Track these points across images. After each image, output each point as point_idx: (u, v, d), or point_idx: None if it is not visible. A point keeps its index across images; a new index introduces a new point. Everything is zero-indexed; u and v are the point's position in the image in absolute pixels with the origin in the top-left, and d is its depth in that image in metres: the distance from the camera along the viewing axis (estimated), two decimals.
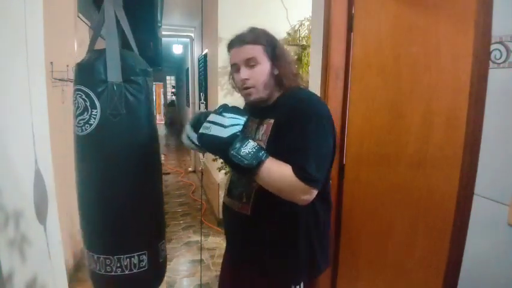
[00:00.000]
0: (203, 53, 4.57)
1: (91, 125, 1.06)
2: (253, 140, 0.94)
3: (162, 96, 15.43)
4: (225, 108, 0.94)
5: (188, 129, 1.05)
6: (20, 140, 1.38)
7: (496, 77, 1.01)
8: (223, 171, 3.44)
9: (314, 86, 1.83)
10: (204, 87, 4.50)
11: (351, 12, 1.68)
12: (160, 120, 15.62)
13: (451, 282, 1.14)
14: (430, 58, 1.25)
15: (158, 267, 1.23)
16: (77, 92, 1.08)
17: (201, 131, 0.93)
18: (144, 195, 1.17)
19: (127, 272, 1.13)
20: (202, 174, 3.77)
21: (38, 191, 1.45)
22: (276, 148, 0.93)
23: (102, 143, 1.09)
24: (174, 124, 12.78)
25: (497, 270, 1.01)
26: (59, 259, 1.76)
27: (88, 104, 1.06)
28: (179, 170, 6.19)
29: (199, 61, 5.12)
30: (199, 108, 2.01)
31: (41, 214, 1.47)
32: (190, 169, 6.14)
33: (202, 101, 2.07)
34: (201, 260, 2.71)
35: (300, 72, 3.47)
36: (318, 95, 1.76)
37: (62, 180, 1.93)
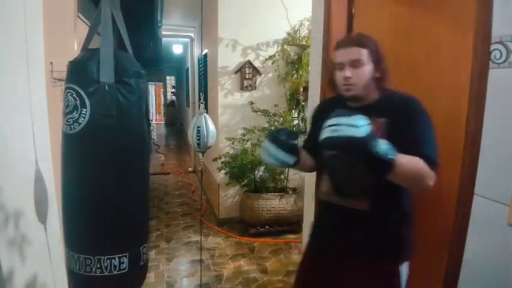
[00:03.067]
0: (203, 53, 4.57)
1: (79, 124, 1.06)
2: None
3: (162, 96, 15.43)
4: (341, 112, 0.96)
5: (269, 146, 1.10)
6: (20, 140, 1.38)
7: (496, 77, 1.01)
8: (223, 171, 3.44)
9: (314, 86, 1.82)
10: (203, 87, 4.50)
11: (351, 12, 1.68)
12: (160, 120, 15.62)
13: (451, 282, 1.14)
14: (430, 58, 1.25)
15: (139, 270, 1.22)
16: (68, 90, 1.07)
17: (327, 135, 0.93)
18: (129, 197, 1.15)
19: (106, 273, 1.11)
20: (202, 174, 3.77)
21: (38, 191, 1.45)
22: (396, 144, 0.97)
23: (90, 143, 1.08)
24: (174, 124, 12.78)
25: (497, 270, 1.01)
26: (59, 259, 1.76)
27: (78, 102, 1.05)
28: (179, 170, 6.19)
29: (199, 61, 5.13)
30: (199, 108, 2.01)
31: (41, 214, 1.47)
32: (190, 169, 6.14)
33: (202, 101, 2.06)
34: (201, 260, 2.71)
35: (301, 72, 3.50)
36: (318, 95, 1.76)
37: None
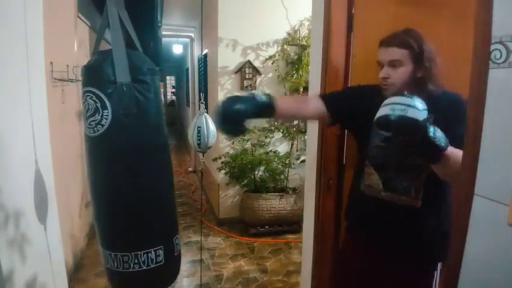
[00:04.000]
0: (203, 53, 4.57)
1: (103, 125, 1.08)
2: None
3: (162, 96, 15.43)
4: (402, 92, 0.95)
5: (216, 121, 1.04)
6: (20, 140, 1.38)
7: (496, 77, 1.00)
8: (223, 171, 3.44)
9: (314, 86, 1.82)
10: (204, 87, 4.50)
11: (351, 12, 1.68)
12: None
13: (451, 283, 1.14)
14: None
15: (174, 261, 1.26)
16: (87, 94, 1.08)
17: (398, 113, 0.91)
18: (157, 191, 1.19)
19: (144, 268, 1.15)
20: (202, 174, 3.76)
21: (38, 191, 1.45)
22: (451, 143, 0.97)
23: (114, 143, 1.10)
24: (174, 124, 12.78)
25: (497, 270, 1.01)
26: (59, 259, 1.76)
27: (98, 105, 1.07)
28: (179, 170, 6.18)
29: (199, 61, 5.12)
30: (200, 108, 2.01)
31: (41, 214, 1.47)
32: (190, 169, 6.14)
33: (202, 101, 2.07)
34: (201, 260, 2.71)
35: (301, 72, 3.49)
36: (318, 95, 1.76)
37: (62, 180, 1.93)
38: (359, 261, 1.25)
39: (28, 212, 1.36)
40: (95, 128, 1.08)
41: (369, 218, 1.26)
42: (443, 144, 0.91)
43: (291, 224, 3.39)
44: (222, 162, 3.43)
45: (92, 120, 1.08)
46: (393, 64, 1.08)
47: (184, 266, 2.82)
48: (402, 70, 1.07)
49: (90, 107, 1.08)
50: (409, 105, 0.90)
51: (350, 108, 1.22)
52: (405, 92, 0.94)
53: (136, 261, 1.14)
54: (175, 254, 1.26)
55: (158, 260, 1.18)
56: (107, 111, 1.07)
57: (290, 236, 3.32)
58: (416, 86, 1.08)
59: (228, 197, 3.70)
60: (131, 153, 1.12)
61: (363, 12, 1.62)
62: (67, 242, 2.26)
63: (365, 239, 1.26)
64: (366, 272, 1.21)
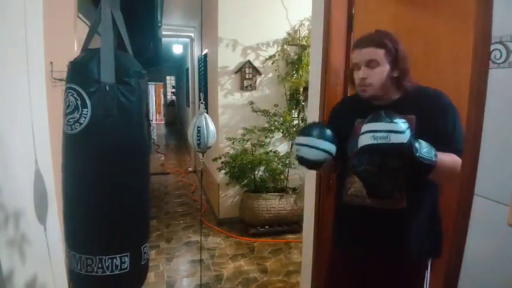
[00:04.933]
0: (203, 53, 4.57)
1: (80, 124, 1.06)
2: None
3: (162, 96, 15.42)
4: (385, 113, 0.96)
5: (308, 139, 1.11)
6: (20, 140, 1.38)
7: (496, 77, 1.00)
8: (223, 171, 3.44)
9: (314, 86, 1.82)
10: (203, 87, 4.50)
11: (351, 12, 1.68)
12: (160, 120, 15.62)
13: (451, 283, 1.14)
14: (430, 58, 1.25)
15: (140, 269, 1.22)
16: (69, 91, 1.07)
17: (378, 141, 0.93)
18: (130, 196, 1.16)
19: (108, 273, 1.12)
20: (202, 174, 3.77)
21: (38, 191, 1.45)
22: (430, 138, 0.99)
23: (91, 143, 1.08)
24: (174, 124, 12.78)
25: (497, 270, 1.01)
26: (59, 259, 1.76)
27: (79, 102, 1.05)
28: (179, 170, 6.19)
29: (199, 61, 5.12)
30: (199, 108, 2.01)
31: (41, 214, 1.47)
32: (190, 169, 6.14)
33: (202, 101, 2.06)
34: (201, 260, 2.71)
35: (301, 72, 3.49)
36: (318, 95, 1.76)
37: None
38: (348, 275, 1.24)
39: (28, 212, 1.36)
40: (73, 126, 1.06)
41: (353, 226, 1.24)
42: (433, 159, 0.93)
43: (291, 224, 3.39)
44: (222, 162, 3.43)
45: (71, 118, 1.06)
46: (371, 65, 1.08)
47: (184, 266, 2.82)
48: (380, 70, 1.07)
49: (70, 103, 1.06)
50: (391, 131, 0.91)
51: (335, 132, 1.21)
52: (383, 114, 0.95)
53: (100, 265, 1.11)
54: (142, 263, 1.22)
55: (123, 267, 1.14)
56: (86, 109, 1.05)
57: (290, 236, 3.32)
58: (393, 85, 1.10)
59: (228, 197, 3.70)
60: (107, 155, 1.09)
61: (363, 12, 1.62)
62: None
63: (352, 250, 1.25)
64: (357, 283, 1.21)
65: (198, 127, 1.91)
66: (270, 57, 3.48)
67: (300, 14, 3.43)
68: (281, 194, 3.38)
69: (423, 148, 0.93)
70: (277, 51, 3.51)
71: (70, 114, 1.07)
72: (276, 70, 3.53)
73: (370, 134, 0.92)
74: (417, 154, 0.92)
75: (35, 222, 1.43)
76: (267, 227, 3.35)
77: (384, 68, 1.08)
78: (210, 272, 2.72)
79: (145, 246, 1.24)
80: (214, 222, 3.72)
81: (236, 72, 3.54)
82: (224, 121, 3.58)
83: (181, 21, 5.51)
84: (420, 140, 0.95)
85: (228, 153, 3.45)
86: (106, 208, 1.11)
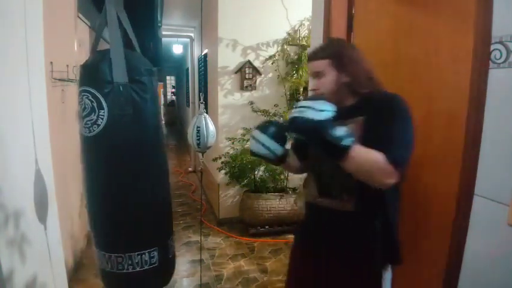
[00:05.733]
0: (203, 53, 4.57)
1: (98, 125, 1.07)
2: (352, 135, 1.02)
3: (162, 96, 15.42)
4: (314, 96, 1.04)
5: (258, 134, 1.13)
6: (20, 140, 1.38)
7: (496, 77, 1.01)
8: (223, 171, 3.44)
9: None
10: (203, 87, 4.50)
11: (351, 12, 1.68)
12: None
13: (451, 282, 1.14)
14: (430, 58, 1.25)
15: (168, 263, 1.25)
16: (84, 93, 1.08)
17: (294, 114, 1.00)
18: (152, 192, 1.18)
19: (138, 269, 1.14)
20: (202, 174, 3.77)
21: (38, 191, 1.45)
22: (371, 141, 1.01)
23: (110, 143, 1.10)
24: (174, 124, 12.78)
25: (497, 270, 1.01)
26: (59, 259, 1.76)
27: (95, 104, 1.07)
28: (179, 170, 6.19)
29: (199, 61, 5.13)
30: (199, 108, 2.01)
31: (41, 214, 1.47)
32: (190, 169, 6.14)
33: (202, 101, 2.07)
34: (201, 260, 2.71)
35: (301, 72, 3.48)
36: None
37: (62, 180, 1.93)
38: (304, 268, 1.27)
39: (28, 212, 1.36)
40: (91, 128, 1.08)
41: (310, 223, 1.29)
42: (342, 143, 0.95)
43: (291, 224, 3.38)
44: (222, 162, 3.43)
45: (88, 120, 1.08)
46: (318, 76, 1.13)
47: (184, 266, 2.82)
48: (326, 79, 1.11)
49: (86, 106, 1.07)
50: (309, 107, 0.98)
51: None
52: (312, 96, 1.02)
53: (130, 262, 1.13)
54: (170, 256, 1.25)
55: (152, 262, 1.17)
56: (103, 111, 1.06)
57: (290, 236, 3.32)
58: (346, 91, 1.12)
59: (228, 197, 3.70)
60: (127, 154, 1.11)
61: (363, 12, 1.62)
62: (66, 242, 2.26)
63: (308, 244, 1.28)
64: (311, 277, 1.22)
65: (198, 127, 1.91)
66: (270, 57, 3.48)
67: (300, 14, 3.43)
68: (281, 194, 3.38)
69: (338, 132, 0.95)
70: (277, 51, 3.51)
71: (86, 116, 1.08)
72: (276, 70, 3.53)
73: (296, 109, 1.01)
74: (328, 132, 0.95)
75: (35, 222, 1.43)
76: (267, 227, 3.35)
77: (331, 77, 1.11)
78: (210, 272, 2.72)
79: (171, 239, 1.27)
80: (214, 222, 3.72)
81: (236, 72, 3.54)
82: (224, 121, 3.58)
83: (181, 21, 5.51)
84: (340, 127, 0.98)
85: (228, 153, 3.45)
86: (130, 206, 1.14)
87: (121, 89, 1.07)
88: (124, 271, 1.14)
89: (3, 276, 1.14)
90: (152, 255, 1.17)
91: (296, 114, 0.99)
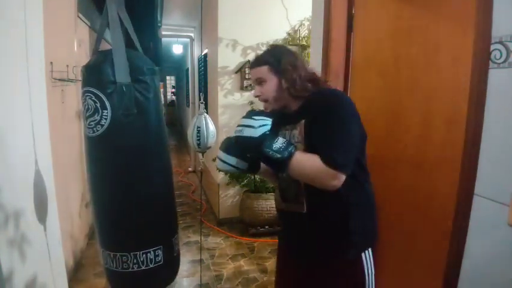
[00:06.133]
0: (203, 53, 4.57)
1: (102, 125, 1.07)
2: (292, 144, 1.05)
3: (162, 96, 15.42)
4: (253, 112, 1.09)
5: (221, 154, 1.17)
6: (20, 140, 1.38)
7: (496, 77, 1.01)
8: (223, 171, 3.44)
9: None
10: (203, 87, 4.50)
11: (351, 12, 1.68)
12: None
13: (451, 282, 1.14)
14: (430, 58, 1.25)
15: (172, 261, 1.26)
16: (87, 94, 1.08)
17: (235, 134, 1.06)
18: (157, 191, 1.19)
19: (143, 268, 1.15)
20: (202, 174, 3.77)
21: (38, 191, 1.45)
22: (311, 144, 1.05)
23: (114, 143, 1.10)
24: (174, 124, 12.78)
25: (497, 270, 1.01)
26: (59, 259, 1.76)
27: (98, 105, 1.07)
28: (179, 170, 6.18)
29: (199, 61, 5.12)
30: (199, 108, 2.02)
31: (41, 214, 1.47)
32: (189, 169, 6.14)
33: (202, 101, 2.07)
34: (201, 260, 2.71)
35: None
36: None
37: (62, 180, 1.93)
38: (286, 266, 1.32)
39: (28, 212, 1.36)
40: (95, 128, 1.08)
41: (281, 226, 1.39)
42: (278, 156, 0.99)
43: None
44: None
45: (92, 121, 1.08)
46: (260, 82, 1.15)
47: (184, 266, 2.82)
48: (268, 85, 1.14)
49: (90, 107, 1.08)
50: (246, 126, 1.03)
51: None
52: (251, 112, 1.08)
53: (135, 261, 1.14)
54: (174, 254, 1.26)
55: (157, 260, 1.18)
56: (106, 111, 1.07)
57: None
58: (289, 95, 1.14)
59: (228, 197, 3.70)
60: (131, 153, 1.12)
61: (363, 12, 1.62)
62: (66, 242, 2.26)
63: (282, 246, 1.36)
64: (293, 276, 1.26)
65: (198, 127, 1.91)
66: None
67: (300, 14, 3.43)
68: None
69: (276, 144, 0.99)
70: None
71: (90, 117, 1.08)
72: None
73: (238, 128, 1.06)
74: (265, 149, 0.99)
75: (35, 222, 1.43)
76: (267, 227, 3.35)
77: (272, 82, 1.13)
78: (210, 272, 2.72)
79: (176, 238, 1.28)
80: (214, 222, 3.72)
81: (236, 72, 3.54)
82: (224, 121, 3.58)
83: (181, 21, 5.51)
84: (279, 138, 1.02)
85: None
86: (134, 205, 1.14)
87: (124, 89, 1.08)
88: (130, 270, 1.14)
89: (3, 276, 1.14)
90: (157, 254, 1.17)
91: (236, 134, 1.05)
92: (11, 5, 1.33)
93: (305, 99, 1.14)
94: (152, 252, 1.16)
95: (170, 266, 1.26)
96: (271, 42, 3.53)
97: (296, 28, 3.51)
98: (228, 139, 1.18)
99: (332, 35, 1.70)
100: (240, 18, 3.46)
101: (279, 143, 1.00)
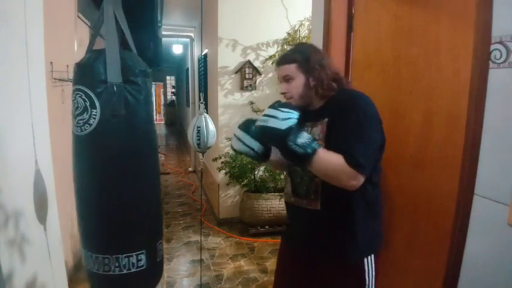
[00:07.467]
0: (203, 53, 4.57)
1: (90, 125, 1.06)
2: (316, 140, 1.05)
3: (162, 96, 15.42)
4: (279, 104, 1.07)
5: (239, 133, 1.16)
6: (20, 140, 1.38)
7: (496, 77, 1.01)
8: (223, 171, 3.44)
9: None
10: (203, 87, 4.50)
11: (351, 12, 1.68)
12: (160, 120, 15.63)
13: (450, 282, 1.14)
14: (430, 58, 1.25)
15: (156, 267, 1.23)
16: (77, 92, 1.07)
17: (259, 123, 1.05)
18: (142, 194, 1.17)
19: (125, 272, 1.12)
20: (202, 174, 3.77)
21: (38, 191, 1.45)
22: (333, 143, 1.05)
23: (101, 143, 1.08)
24: (174, 124, 12.78)
25: (497, 270, 1.01)
26: (59, 259, 1.76)
27: (87, 104, 1.06)
28: (179, 170, 6.19)
29: (199, 61, 5.12)
30: (199, 108, 2.02)
31: (41, 214, 1.47)
32: (190, 169, 6.14)
33: (202, 101, 2.07)
34: (201, 260, 2.71)
35: None
36: None
37: (62, 180, 1.93)
38: (287, 264, 1.31)
39: (28, 212, 1.36)
40: (83, 127, 1.07)
41: (289, 222, 1.35)
42: (302, 151, 0.99)
43: None
44: (222, 162, 3.42)
45: (80, 119, 1.07)
46: (287, 79, 1.17)
47: (184, 266, 2.82)
48: (296, 83, 1.15)
49: (79, 105, 1.06)
50: (271, 116, 1.02)
51: None
52: (276, 104, 1.07)
53: (116, 264, 1.11)
54: (158, 260, 1.23)
55: (140, 265, 1.15)
56: (95, 110, 1.05)
57: None
58: (314, 93, 1.15)
59: (228, 197, 3.70)
60: (118, 154, 1.10)
61: (363, 12, 1.62)
62: (66, 242, 2.25)
63: (288, 242, 1.34)
64: (293, 273, 1.26)
65: (198, 127, 1.91)
66: (270, 57, 3.48)
67: (300, 14, 3.43)
68: (281, 194, 3.38)
69: (300, 139, 0.99)
70: (277, 51, 3.50)
71: (79, 115, 1.07)
72: (276, 70, 3.52)
73: (263, 117, 1.04)
74: (289, 142, 0.99)
75: (35, 222, 1.43)
76: (267, 227, 3.35)
77: (300, 80, 1.15)
78: (210, 272, 2.72)
79: (160, 243, 1.25)
80: (214, 222, 3.72)
81: (236, 72, 3.54)
82: (224, 121, 3.58)
83: (181, 21, 5.51)
84: (303, 133, 1.02)
85: (228, 153, 3.45)
86: (119, 207, 1.12)
87: (115, 89, 1.06)
88: (111, 273, 1.12)
89: (3, 276, 1.14)
90: (139, 258, 1.15)
91: (261, 123, 1.04)
92: (11, 4, 1.33)
93: (329, 98, 1.15)
94: (135, 256, 1.14)
95: (153, 271, 1.23)
96: (271, 42, 3.53)
97: (296, 28, 3.51)
98: (249, 120, 1.18)
99: (332, 35, 1.70)
100: (240, 18, 3.46)
101: (305, 138, 1.00)
